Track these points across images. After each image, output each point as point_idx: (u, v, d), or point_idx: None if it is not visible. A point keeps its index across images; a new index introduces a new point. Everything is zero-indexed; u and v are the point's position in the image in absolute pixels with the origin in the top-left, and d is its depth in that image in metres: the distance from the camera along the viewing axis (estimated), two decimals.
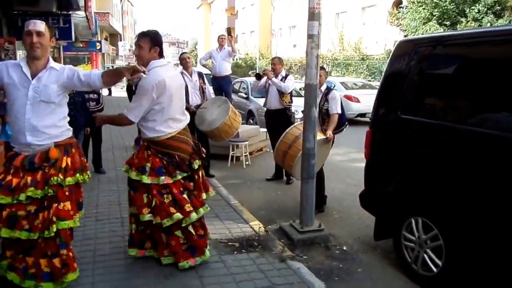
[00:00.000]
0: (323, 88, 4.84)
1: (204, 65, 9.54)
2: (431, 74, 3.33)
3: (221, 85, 8.18)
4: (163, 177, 3.01)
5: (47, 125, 2.68)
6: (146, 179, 3.00)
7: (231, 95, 8.63)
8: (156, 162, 3.03)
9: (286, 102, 5.99)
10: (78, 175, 2.80)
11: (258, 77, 6.11)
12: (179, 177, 3.08)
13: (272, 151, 6.04)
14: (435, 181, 3.08)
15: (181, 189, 3.10)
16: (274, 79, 5.86)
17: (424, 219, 3.16)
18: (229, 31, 8.95)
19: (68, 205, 2.70)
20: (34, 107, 2.64)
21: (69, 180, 2.73)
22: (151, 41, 3.04)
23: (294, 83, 6.26)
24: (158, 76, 2.97)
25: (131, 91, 6.75)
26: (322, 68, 4.76)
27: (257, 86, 6.21)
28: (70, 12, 9.89)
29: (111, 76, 2.87)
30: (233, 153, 7.29)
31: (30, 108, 2.63)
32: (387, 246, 3.73)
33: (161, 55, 3.11)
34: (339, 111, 4.79)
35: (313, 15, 3.76)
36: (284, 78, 6.00)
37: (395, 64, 3.58)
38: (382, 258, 3.69)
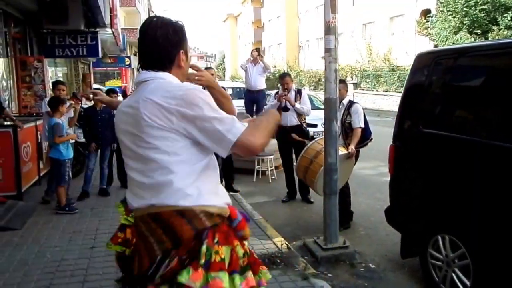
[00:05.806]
0: (345, 101, 4.78)
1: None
2: (455, 87, 3.22)
3: (255, 99, 8.32)
4: None
5: None
6: None
7: (263, 109, 8.63)
8: None
9: (302, 119, 5.71)
10: None
11: (285, 109, 5.37)
12: None
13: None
14: (461, 197, 2.96)
15: None
16: (297, 105, 5.52)
17: (451, 236, 3.03)
18: (258, 51, 8.97)
19: None
20: None
21: None
22: None
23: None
24: None
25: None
26: (342, 81, 4.70)
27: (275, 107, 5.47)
28: (98, 30, 10.08)
29: None
30: (259, 167, 7.20)
31: None
32: (415, 264, 3.58)
33: None
34: (362, 125, 4.68)
35: (329, 29, 3.75)
36: (298, 94, 5.68)
37: (416, 77, 3.50)
38: (410, 277, 3.56)
